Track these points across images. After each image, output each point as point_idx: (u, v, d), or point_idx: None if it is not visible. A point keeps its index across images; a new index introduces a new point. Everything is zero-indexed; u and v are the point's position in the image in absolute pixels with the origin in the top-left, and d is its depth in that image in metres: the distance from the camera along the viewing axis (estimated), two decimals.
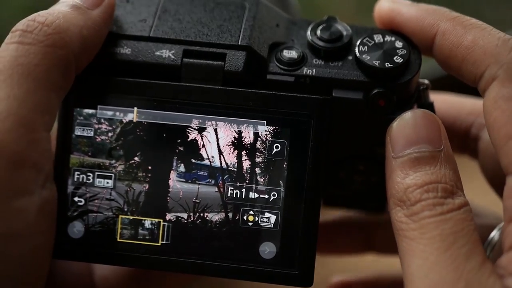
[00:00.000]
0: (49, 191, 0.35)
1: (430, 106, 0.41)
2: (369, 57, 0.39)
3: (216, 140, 0.39)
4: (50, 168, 0.35)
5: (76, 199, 0.39)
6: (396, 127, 0.37)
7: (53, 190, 0.36)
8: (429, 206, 0.35)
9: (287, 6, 0.48)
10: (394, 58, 0.39)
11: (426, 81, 0.41)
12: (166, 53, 0.39)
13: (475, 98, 0.44)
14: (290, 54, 0.40)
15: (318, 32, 0.40)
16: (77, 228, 0.39)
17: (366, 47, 0.39)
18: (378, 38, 0.39)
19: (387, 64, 0.38)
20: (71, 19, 0.37)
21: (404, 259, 0.35)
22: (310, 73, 0.39)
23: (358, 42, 0.39)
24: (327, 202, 0.48)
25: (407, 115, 0.37)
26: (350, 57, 0.40)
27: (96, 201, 0.39)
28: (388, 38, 0.39)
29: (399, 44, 0.39)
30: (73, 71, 0.37)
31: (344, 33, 0.40)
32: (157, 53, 0.39)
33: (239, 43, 0.39)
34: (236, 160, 0.39)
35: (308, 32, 0.40)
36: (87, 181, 0.39)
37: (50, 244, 0.36)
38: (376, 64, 0.38)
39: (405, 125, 0.37)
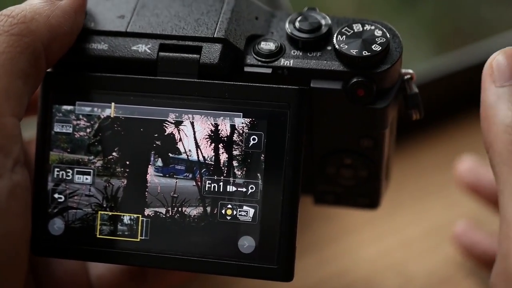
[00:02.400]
0: (20, 175, 0.35)
1: (415, 97, 0.40)
2: (347, 46, 0.38)
3: (193, 133, 0.38)
4: (20, 153, 0.36)
5: (56, 195, 0.39)
6: (502, 56, 0.36)
7: (24, 174, 0.36)
8: None
9: (276, 4, 0.48)
10: (373, 47, 0.38)
11: (411, 71, 0.40)
12: (142, 48, 0.39)
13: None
14: (267, 45, 0.39)
15: (297, 23, 0.39)
16: (57, 225, 0.39)
17: (344, 36, 0.38)
18: (357, 27, 0.39)
19: (365, 53, 0.37)
20: (37, 9, 0.37)
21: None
22: (288, 64, 0.38)
23: (337, 32, 0.39)
24: (318, 200, 0.47)
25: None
26: (329, 47, 0.39)
27: (75, 197, 0.39)
28: (367, 27, 0.39)
29: (378, 32, 0.38)
30: (42, 59, 0.37)
31: (323, 23, 0.39)
32: (134, 47, 0.39)
33: (214, 36, 0.39)
34: (213, 154, 0.38)
35: (287, 24, 0.40)
36: (67, 178, 0.39)
37: (25, 230, 0.36)
38: (354, 53, 0.38)
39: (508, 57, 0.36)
